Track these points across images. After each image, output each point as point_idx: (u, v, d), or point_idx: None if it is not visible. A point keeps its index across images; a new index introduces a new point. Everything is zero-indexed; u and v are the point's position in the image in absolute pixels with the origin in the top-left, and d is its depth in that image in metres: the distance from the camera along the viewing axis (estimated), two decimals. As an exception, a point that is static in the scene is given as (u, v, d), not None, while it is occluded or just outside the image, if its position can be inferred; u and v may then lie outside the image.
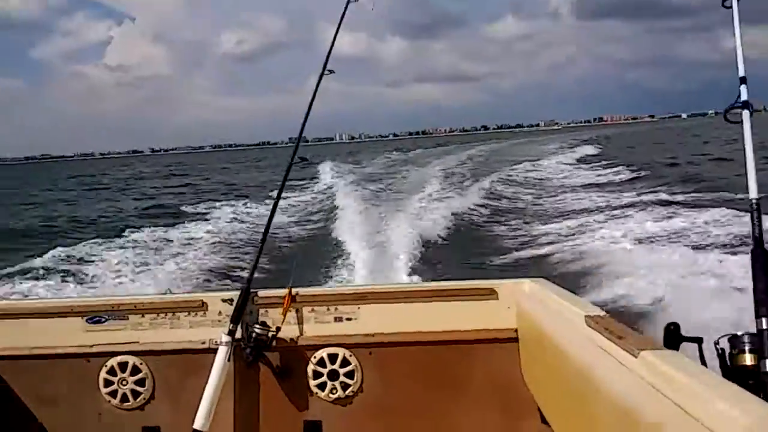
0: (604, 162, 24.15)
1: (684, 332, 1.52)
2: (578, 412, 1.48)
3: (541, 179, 19.86)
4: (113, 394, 2.29)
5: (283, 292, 2.26)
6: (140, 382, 2.29)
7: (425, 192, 15.97)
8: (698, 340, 1.53)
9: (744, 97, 1.80)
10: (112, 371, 2.29)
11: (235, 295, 2.25)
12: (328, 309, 2.27)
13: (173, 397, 2.28)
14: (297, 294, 2.27)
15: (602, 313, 1.68)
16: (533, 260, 8.73)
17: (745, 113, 1.78)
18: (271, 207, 2.49)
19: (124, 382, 2.28)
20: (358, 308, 2.27)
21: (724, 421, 0.99)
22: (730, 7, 1.85)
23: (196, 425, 2.11)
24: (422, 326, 2.23)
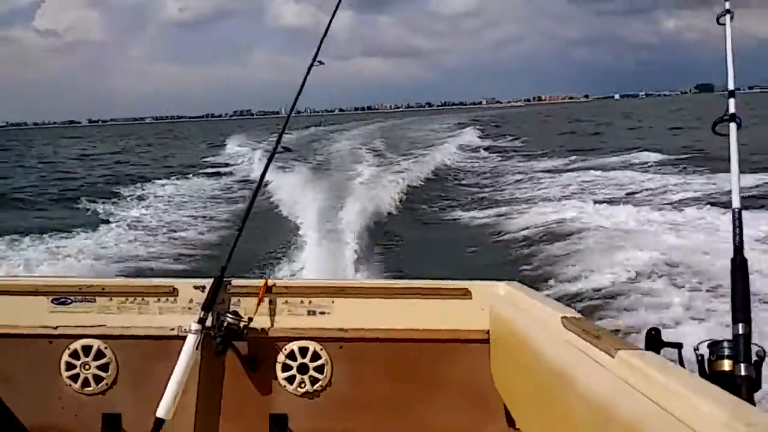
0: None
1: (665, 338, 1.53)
2: (550, 411, 1.50)
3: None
4: (74, 378, 2.24)
5: (259, 282, 2.25)
6: (103, 367, 2.24)
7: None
8: (678, 346, 1.56)
9: (732, 110, 1.83)
10: (75, 354, 2.24)
11: (207, 282, 2.22)
12: (302, 302, 2.27)
13: (137, 384, 2.24)
14: (273, 285, 2.26)
15: (578, 315, 1.70)
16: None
17: (732, 126, 1.82)
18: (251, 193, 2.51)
19: (86, 366, 2.23)
20: (333, 302, 2.27)
21: (700, 417, 1.00)
22: (724, 24, 1.87)
23: (159, 413, 2.07)
24: (395, 323, 2.24)
